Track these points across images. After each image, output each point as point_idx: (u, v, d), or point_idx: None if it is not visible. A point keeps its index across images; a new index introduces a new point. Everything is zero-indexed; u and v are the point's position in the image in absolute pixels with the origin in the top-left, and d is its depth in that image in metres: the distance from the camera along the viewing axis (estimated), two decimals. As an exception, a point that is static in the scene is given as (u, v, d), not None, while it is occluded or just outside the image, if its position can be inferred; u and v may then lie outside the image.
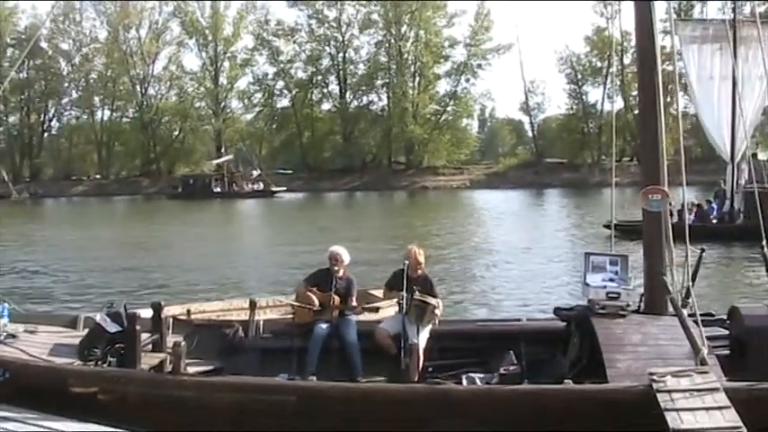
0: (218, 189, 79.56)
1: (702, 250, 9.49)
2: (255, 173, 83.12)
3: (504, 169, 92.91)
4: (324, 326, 9.48)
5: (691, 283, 8.90)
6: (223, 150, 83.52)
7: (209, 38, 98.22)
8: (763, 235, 9.79)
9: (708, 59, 30.60)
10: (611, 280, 9.03)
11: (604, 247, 27.75)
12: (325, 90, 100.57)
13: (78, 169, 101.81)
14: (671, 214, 33.15)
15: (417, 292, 9.31)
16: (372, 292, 12.16)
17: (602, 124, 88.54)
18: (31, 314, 10.24)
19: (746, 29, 29.16)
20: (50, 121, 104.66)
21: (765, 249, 9.58)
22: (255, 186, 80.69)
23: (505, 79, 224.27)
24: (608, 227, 29.41)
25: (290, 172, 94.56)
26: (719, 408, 6.75)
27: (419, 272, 9.73)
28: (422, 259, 9.79)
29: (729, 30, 29.34)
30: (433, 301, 9.37)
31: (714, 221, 30.60)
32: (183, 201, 73.01)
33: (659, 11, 9.40)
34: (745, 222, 29.10)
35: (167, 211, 63.13)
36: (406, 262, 9.55)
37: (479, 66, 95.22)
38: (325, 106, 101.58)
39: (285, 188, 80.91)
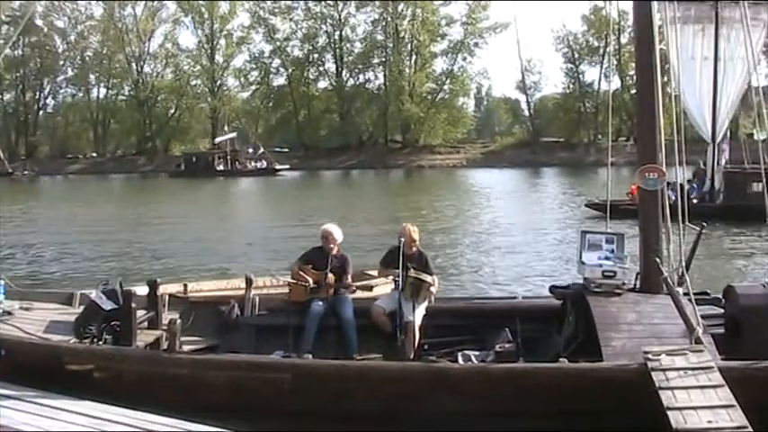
0: (221, 167, 79.04)
1: (702, 227, 9.47)
2: (253, 151, 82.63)
3: (501, 148, 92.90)
4: (320, 303, 9.48)
5: (683, 263, 8.90)
6: (226, 128, 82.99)
7: (206, 15, 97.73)
8: None
9: (689, 40, 30.17)
10: (607, 258, 9.02)
11: (586, 226, 28.09)
12: (321, 68, 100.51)
13: (74, 147, 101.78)
14: (651, 194, 31.96)
15: (412, 269, 9.31)
16: (369, 272, 12.15)
17: (598, 104, 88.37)
18: (26, 291, 10.23)
19: (729, 9, 29.14)
20: (46, 98, 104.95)
21: None
22: (258, 164, 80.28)
23: (502, 58, 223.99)
24: (590, 206, 29.84)
25: (286, 150, 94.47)
26: (714, 386, 6.77)
27: (414, 249, 9.72)
28: (416, 236, 9.78)
29: (711, 10, 29.62)
30: (429, 278, 9.37)
31: (694, 201, 30.82)
32: (185, 179, 72.50)
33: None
34: (725, 202, 29.37)
35: (167, 188, 63.10)
36: (402, 239, 9.54)
37: (476, 44, 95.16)
38: (322, 84, 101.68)
39: (288, 166, 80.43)
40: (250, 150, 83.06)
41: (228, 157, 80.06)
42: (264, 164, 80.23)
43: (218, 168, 78.70)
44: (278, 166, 79.00)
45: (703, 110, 30.82)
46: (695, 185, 32.02)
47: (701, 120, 30.99)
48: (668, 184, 27.83)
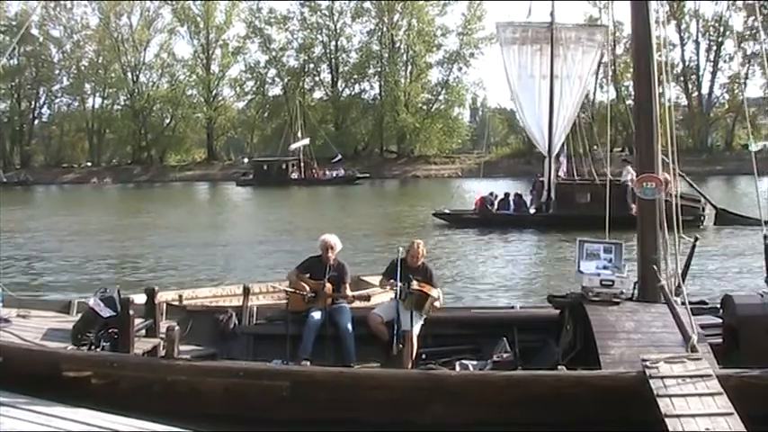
0: (295, 175, 75.05)
1: (696, 239, 9.50)
2: (332, 158, 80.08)
3: (496, 159, 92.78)
4: (318, 313, 9.49)
5: (680, 273, 8.92)
6: (299, 134, 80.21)
7: (201, 25, 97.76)
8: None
9: (528, 59, 32.25)
10: (605, 267, 9.02)
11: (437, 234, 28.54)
12: (317, 78, 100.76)
13: (69, 157, 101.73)
14: (491, 204, 34.90)
15: (415, 282, 9.34)
16: (365, 278, 12.15)
17: (593, 114, 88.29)
18: (24, 299, 10.22)
19: (564, 32, 31.46)
20: (41, 108, 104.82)
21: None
22: (336, 173, 76.49)
23: (498, 68, 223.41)
24: (436, 215, 32.53)
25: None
26: (712, 394, 6.76)
27: (419, 262, 9.76)
28: (422, 251, 9.82)
29: (548, 32, 31.60)
30: (434, 293, 9.42)
31: (532, 211, 32.17)
32: (255, 188, 68.68)
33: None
34: (557, 212, 30.86)
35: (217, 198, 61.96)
36: (401, 248, 9.59)
37: (471, 55, 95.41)
38: (318, 95, 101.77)
39: (368, 174, 77.95)
40: (334, 161, 79.39)
41: (302, 165, 76.40)
42: (342, 172, 76.73)
43: (292, 177, 74.53)
44: (358, 175, 76.02)
45: (542, 125, 32.40)
46: (533, 196, 33.40)
47: (539, 134, 32.72)
48: (506, 195, 29.40)
